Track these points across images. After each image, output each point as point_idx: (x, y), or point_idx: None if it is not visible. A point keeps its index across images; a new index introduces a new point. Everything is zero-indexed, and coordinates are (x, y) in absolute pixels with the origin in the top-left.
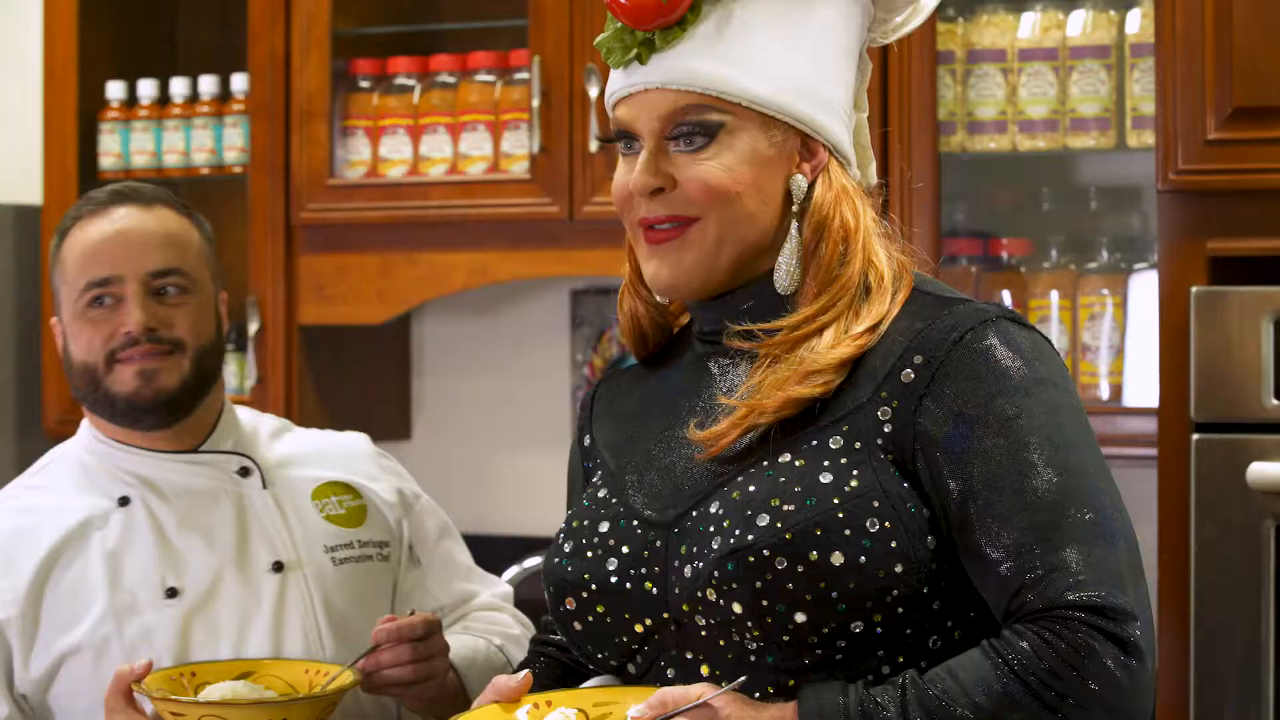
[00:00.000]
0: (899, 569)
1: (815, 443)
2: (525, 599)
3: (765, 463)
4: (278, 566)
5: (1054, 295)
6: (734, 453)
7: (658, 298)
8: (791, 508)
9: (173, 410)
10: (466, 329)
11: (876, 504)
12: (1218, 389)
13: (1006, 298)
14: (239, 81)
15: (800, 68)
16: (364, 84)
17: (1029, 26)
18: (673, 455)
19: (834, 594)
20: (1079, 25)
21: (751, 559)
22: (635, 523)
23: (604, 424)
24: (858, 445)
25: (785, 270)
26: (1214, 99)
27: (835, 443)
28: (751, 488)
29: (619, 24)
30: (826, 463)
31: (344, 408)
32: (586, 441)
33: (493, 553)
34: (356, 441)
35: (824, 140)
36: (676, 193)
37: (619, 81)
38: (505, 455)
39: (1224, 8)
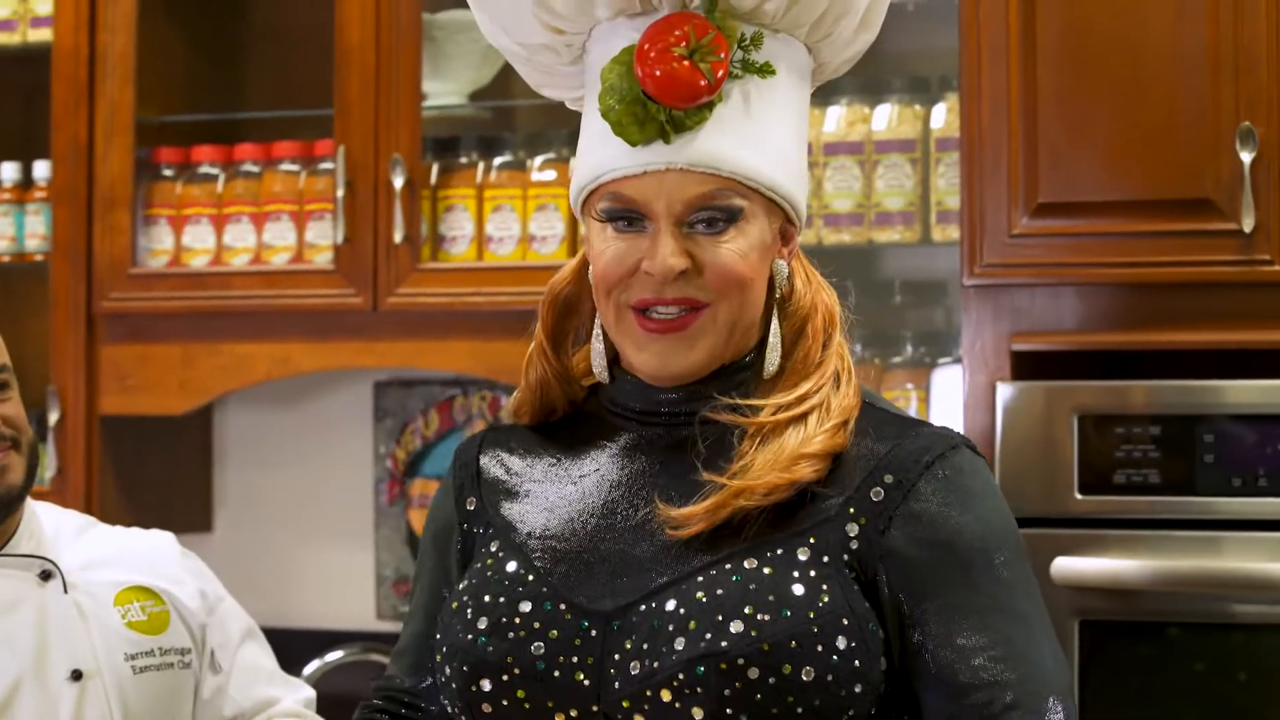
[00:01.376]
0: (858, 689)
1: (780, 551)
2: (326, 694)
3: (728, 566)
4: (77, 675)
5: None
6: (690, 548)
7: (597, 372)
8: (767, 618)
9: (12, 507)
10: (269, 420)
11: (845, 622)
12: (1023, 483)
13: None
14: (41, 169)
15: (795, 152)
16: (167, 172)
17: (834, 121)
18: (607, 540)
19: (799, 709)
20: (884, 120)
21: (724, 666)
22: (563, 606)
23: (498, 489)
24: (825, 559)
25: (771, 362)
26: (1019, 193)
27: (803, 554)
28: (719, 591)
29: (628, 96)
30: (796, 574)
31: (145, 499)
32: (471, 504)
33: (294, 646)
34: (161, 542)
35: (798, 224)
36: (695, 277)
37: (627, 159)
38: (307, 548)
39: (1029, 102)
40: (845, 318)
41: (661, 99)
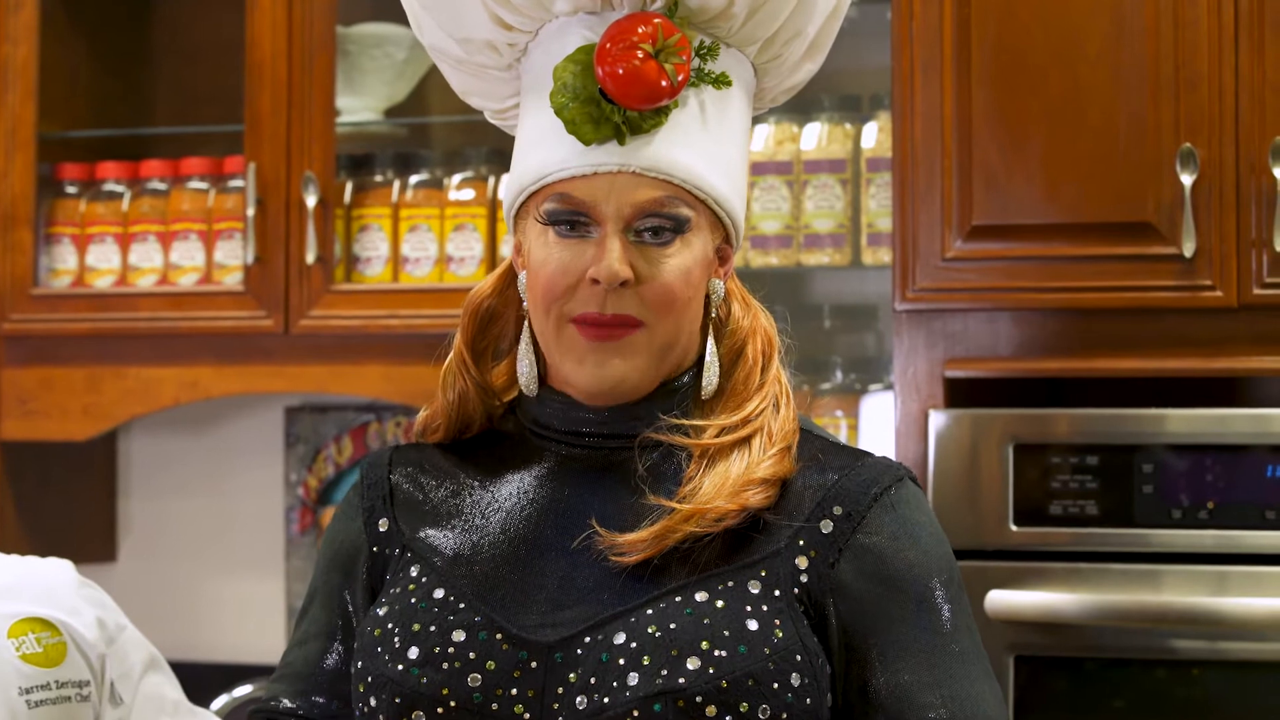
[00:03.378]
0: None
1: (731, 584)
2: None
3: (679, 598)
4: None
5: None
6: (635, 578)
7: (524, 385)
8: (723, 654)
9: None
10: (176, 446)
11: (798, 658)
12: (956, 514)
13: None
14: None
15: (741, 170)
16: (71, 189)
17: (762, 140)
18: (542, 567)
19: None
20: (814, 139)
21: (681, 703)
22: (499, 636)
23: (414, 510)
24: (776, 593)
25: (709, 382)
26: (953, 215)
27: (754, 587)
28: (672, 625)
29: (583, 95)
30: (749, 608)
31: (46, 528)
32: (383, 526)
33: (201, 681)
34: (58, 571)
35: (734, 245)
36: (635, 290)
37: (577, 159)
38: (215, 579)
39: (964, 122)
40: (783, 344)
41: (621, 98)
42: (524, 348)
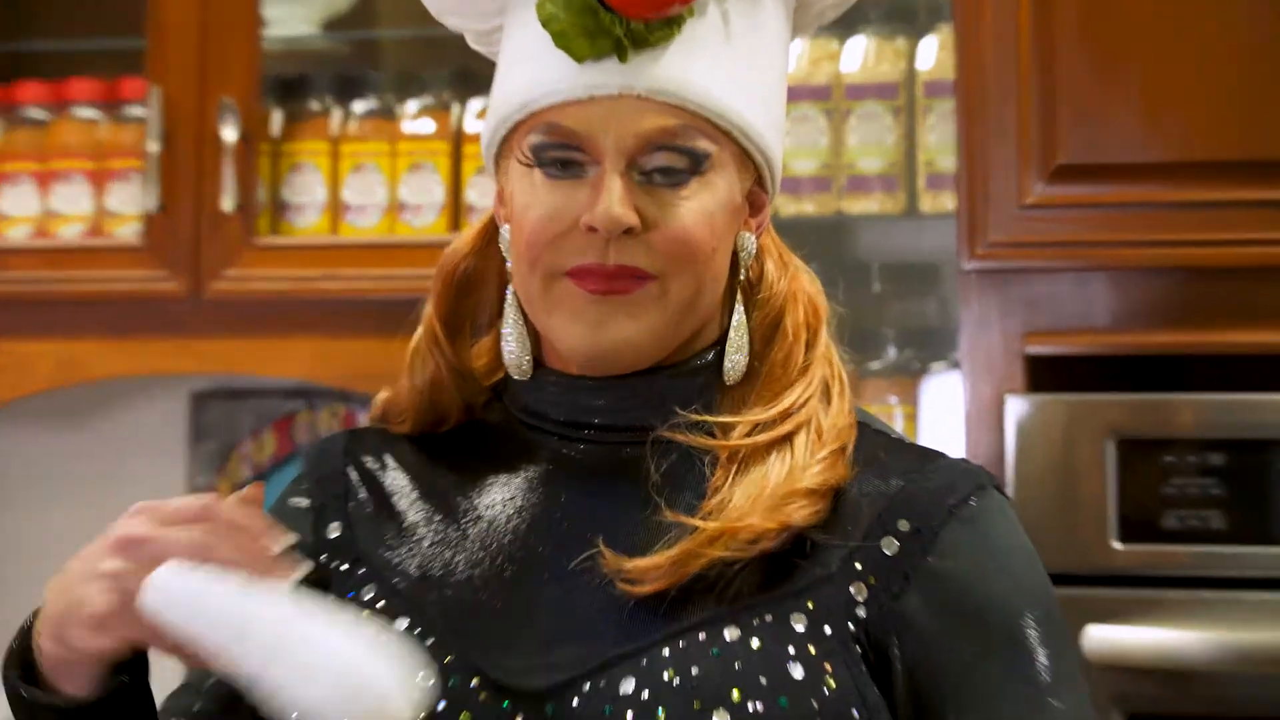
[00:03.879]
0: None
1: (770, 618)
2: None
3: (703, 636)
4: None
5: None
6: (649, 609)
7: (512, 366)
8: (760, 707)
9: None
10: (50, 441)
11: (855, 713)
12: (1043, 528)
13: None
14: None
15: (777, 97)
16: None
17: (794, 59)
18: (531, 595)
19: None
20: (858, 58)
21: None
22: (476, 681)
23: (372, 515)
24: (827, 630)
25: (734, 363)
26: (1033, 152)
27: (799, 624)
28: (694, 670)
29: (577, 3)
30: (792, 650)
31: None
32: (334, 533)
33: None
34: None
35: (770, 190)
36: (644, 238)
37: (569, 80)
38: None
39: (1044, 37)
40: (833, 313)
41: (623, 6)
42: (510, 320)
